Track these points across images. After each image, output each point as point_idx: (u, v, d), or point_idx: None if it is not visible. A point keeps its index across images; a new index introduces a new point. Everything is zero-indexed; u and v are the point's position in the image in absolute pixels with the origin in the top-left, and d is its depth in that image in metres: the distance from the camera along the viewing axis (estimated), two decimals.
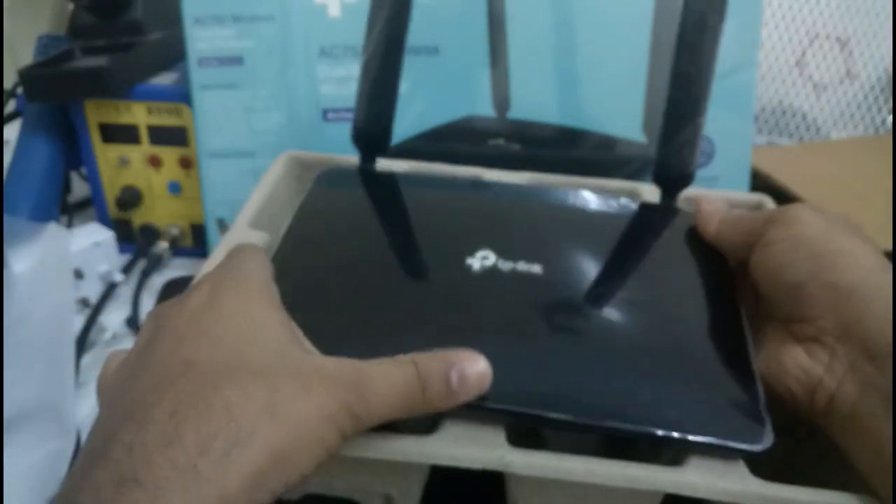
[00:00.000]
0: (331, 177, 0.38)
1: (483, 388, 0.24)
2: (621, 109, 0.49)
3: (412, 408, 0.23)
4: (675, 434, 0.25)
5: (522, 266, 0.31)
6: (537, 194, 0.38)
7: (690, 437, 0.25)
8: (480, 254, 0.31)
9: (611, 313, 0.29)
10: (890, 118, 0.77)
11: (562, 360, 0.27)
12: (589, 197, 0.37)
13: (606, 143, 0.50)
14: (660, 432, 0.25)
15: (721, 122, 0.50)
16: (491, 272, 0.30)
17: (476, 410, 0.25)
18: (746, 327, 0.30)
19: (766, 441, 0.25)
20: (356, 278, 0.30)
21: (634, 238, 0.35)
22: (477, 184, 0.40)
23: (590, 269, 0.32)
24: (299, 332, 0.24)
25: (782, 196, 0.59)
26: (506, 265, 0.31)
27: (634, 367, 0.27)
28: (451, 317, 0.29)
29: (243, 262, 0.25)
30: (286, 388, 0.20)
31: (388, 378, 0.22)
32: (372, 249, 0.32)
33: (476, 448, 0.24)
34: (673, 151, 0.36)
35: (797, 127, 0.76)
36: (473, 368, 0.23)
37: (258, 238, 0.36)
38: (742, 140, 0.51)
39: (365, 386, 0.21)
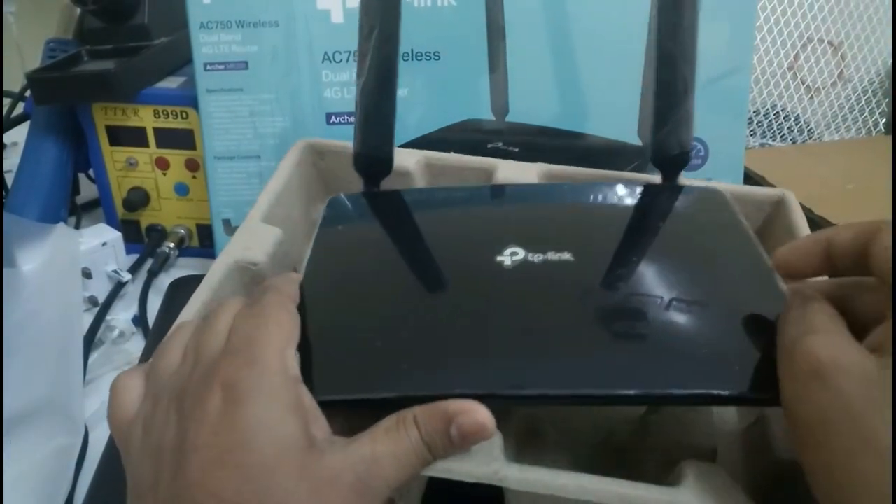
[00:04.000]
0: (342, 202, 0.37)
1: (484, 437, 0.24)
2: (617, 113, 0.50)
3: (421, 468, 0.24)
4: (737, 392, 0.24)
5: (553, 256, 0.30)
6: (547, 190, 0.38)
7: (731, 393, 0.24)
8: (508, 251, 0.31)
9: (651, 289, 0.28)
10: (882, 121, 0.78)
11: (616, 336, 0.27)
12: (598, 185, 0.37)
13: (603, 146, 0.51)
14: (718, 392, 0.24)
15: (714, 125, 0.51)
16: (523, 265, 0.30)
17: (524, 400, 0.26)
18: (785, 291, 0.28)
19: None
20: (397, 294, 0.30)
21: (652, 216, 0.34)
22: (485, 189, 0.39)
23: (619, 250, 0.31)
24: (312, 421, 0.24)
25: None
26: (536, 257, 0.30)
27: (688, 338, 0.26)
28: (496, 311, 0.28)
29: (259, 340, 0.24)
30: None
31: (395, 455, 0.23)
32: (403, 263, 0.32)
33: (471, 462, 0.24)
34: (668, 133, 0.36)
35: (790, 129, 0.76)
36: (471, 420, 0.23)
37: (272, 234, 0.35)
38: (735, 142, 0.52)
39: (374, 476, 0.22)
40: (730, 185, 0.41)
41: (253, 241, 0.34)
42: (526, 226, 0.34)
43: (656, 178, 0.39)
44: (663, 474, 0.26)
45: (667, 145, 0.36)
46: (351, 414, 0.26)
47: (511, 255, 0.30)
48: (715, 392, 0.24)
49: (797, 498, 0.25)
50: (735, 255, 0.30)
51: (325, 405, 0.24)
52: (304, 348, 0.26)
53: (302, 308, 0.28)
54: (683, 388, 0.24)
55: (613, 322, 0.27)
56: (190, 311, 0.30)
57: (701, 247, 0.32)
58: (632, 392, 0.24)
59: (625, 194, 0.36)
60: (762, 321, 0.26)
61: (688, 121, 0.36)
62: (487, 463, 0.24)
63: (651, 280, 0.29)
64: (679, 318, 0.27)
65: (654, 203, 0.35)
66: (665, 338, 0.26)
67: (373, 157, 0.37)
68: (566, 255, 0.30)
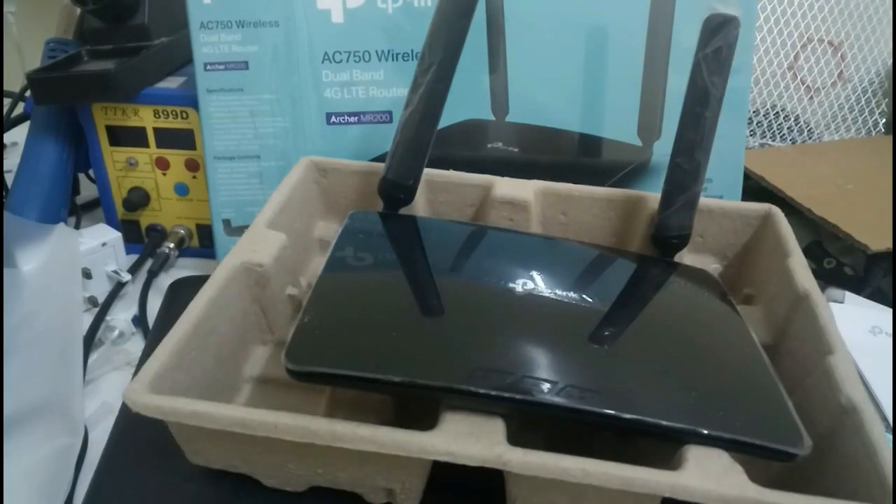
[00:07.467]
0: (363, 216, 0.39)
1: None
2: (617, 113, 0.50)
3: None
4: (737, 437, 0.26)
5: (560, 292, 0.33)
6: (556, 246, 0.41)
7: (748, 440, 0.26)
8: (520, 281, 0.33)
9: (648, 341, 0.32)
10: (882, 121, 0.78)
11: (625, 366, 0.29)
12: (596, 250, 0.41)
13: (602, 147, 0.51)
14: (723, 434, 0.26)
15: None
16: (535, 294, 0.33)
17: (537, 407, 0.27)
18: (765, 355, 0.32)
19: (807, 445, 0.26)
20: (401, 299, 0.32)
21: (649, 286, 0.37)
22: (489, 229, 0.42)
23: (618, 305, 0.34)
24: None
25: (775, 198, 0.60)
26: (546, 290, 0.33)
27: (686, 379, 0.29)
28: (516, 327, 0.31)
29: None
30: None
31: None
32: (409, 275, 0.35)
33: (475, 446, 0.25)
34: (672, 214, 0.38)
35: (790, 129, 0.77)
36: None
37: (276, 238, 0.36)
38: (735, 143, 0.52)
39: None
40: (719, 201, 0.43)
41: (259, 244, 0.36)
42: (533, 266, 0.36)
43: (654, 194, 0.40)
44: (663, 465, 0.27)
45: (669, 226, 0.39)
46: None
47: (524, 285, 0.33)
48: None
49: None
50: (717, 327, 0.34)
51: (313, 377, 0.27)
52: (311, 327, 0.29)
53: (318, 297, 0.31)
54: (663, 420, 0.26)
55: (591, 353, 0.30)
56: (196, 308, 0.31)
57: (688, 320, 0.35)
58: (595, 409, 0.26)
59: (625, 264, 0.39)
60: (734, 380, 0.30)
61: (692, 205, 0.38)
62: (490, 447, 0.25)
63: (651, 340, 0.32)
64: (690, 371, 0.30)
65: (652, 277, 0.38)
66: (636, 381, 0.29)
67: (400, 185, 0.39)
68: (572, 295, 0.33)
